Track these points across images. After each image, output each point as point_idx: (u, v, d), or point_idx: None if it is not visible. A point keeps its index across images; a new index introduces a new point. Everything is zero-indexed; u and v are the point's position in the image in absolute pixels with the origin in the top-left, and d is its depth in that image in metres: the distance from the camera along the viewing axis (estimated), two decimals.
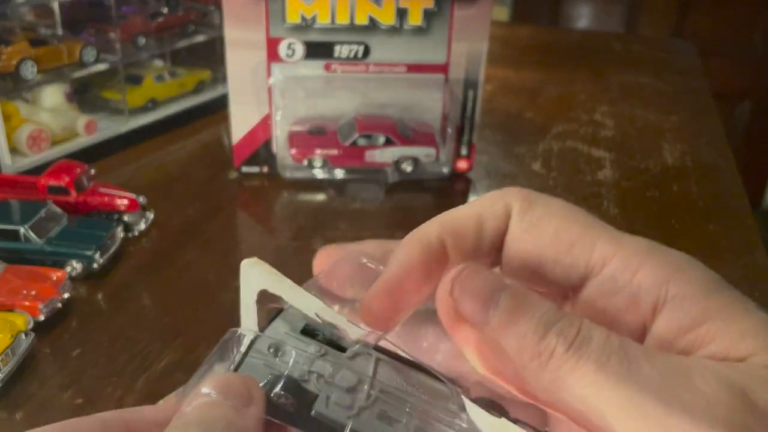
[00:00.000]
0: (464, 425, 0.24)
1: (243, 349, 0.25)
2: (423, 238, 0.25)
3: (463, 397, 0.25)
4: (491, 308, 0.22)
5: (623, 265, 0.23)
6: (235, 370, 0.24)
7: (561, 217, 0.24)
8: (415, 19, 0.75)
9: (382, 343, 0.26)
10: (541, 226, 0.24)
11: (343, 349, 0.25)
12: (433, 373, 0.26)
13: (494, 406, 0.25)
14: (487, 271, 0.23)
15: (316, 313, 0.26)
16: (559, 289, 0.25)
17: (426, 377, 0.26)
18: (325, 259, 0.28)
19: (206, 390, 0.22)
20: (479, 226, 0.25)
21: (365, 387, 0.24)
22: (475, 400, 0.25)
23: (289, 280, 0.26)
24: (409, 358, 0.26)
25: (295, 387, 0.24)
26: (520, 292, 0.22)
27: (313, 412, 0.24)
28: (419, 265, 0.24)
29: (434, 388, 0.25)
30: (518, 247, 0.24)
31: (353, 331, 0.26)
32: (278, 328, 0.26)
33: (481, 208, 0.25)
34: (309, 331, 0.26)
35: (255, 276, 0.26)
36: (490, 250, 0.25)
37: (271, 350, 0.25)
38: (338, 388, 0.24)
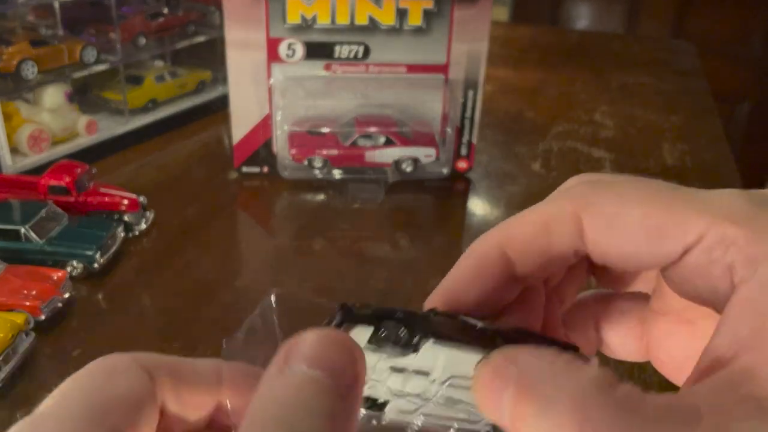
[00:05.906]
0: None
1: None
2: (479, 249, 0.24)
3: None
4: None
5: (718, 238, 0.20)
6: None
7: (639, 203, 0.22)
8: (415, 19, 0.75)
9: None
10: (620, 221, 0.22)
11: (409, 346, 0.23)
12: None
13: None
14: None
15: None
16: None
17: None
18: None
19: (298, 365, 0.17)
20: (546, 232, 0.23)
21: (433, 387, 0.23)
22: None
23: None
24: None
25: (368, 402, 0.23)
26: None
27: (383, 420, 0.23)
28: (473, 279, 0.23)
29: None
30: (602, 247, 0.22)
31: None
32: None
33: (545, 212, 0.23)
34: (375, 340, 0.23)
35: None
36: (564, 254, 0.23)
37: None
38: (408, 395, 0.23)
